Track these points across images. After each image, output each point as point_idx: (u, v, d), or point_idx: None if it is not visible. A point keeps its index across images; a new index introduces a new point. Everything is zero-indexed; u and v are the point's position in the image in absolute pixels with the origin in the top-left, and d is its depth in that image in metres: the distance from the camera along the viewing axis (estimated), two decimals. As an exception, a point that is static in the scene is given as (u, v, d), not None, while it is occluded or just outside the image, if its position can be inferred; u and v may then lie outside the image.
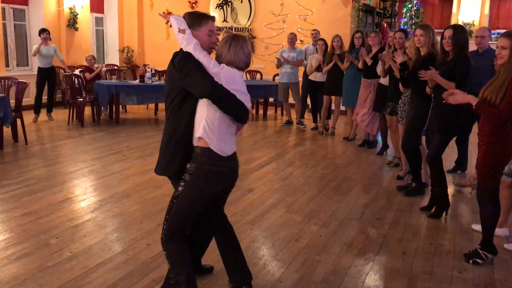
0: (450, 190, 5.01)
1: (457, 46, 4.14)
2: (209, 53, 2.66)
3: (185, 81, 2.51)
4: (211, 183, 2.58)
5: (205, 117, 2.53)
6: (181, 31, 2.59)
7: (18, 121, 6.84)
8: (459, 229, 4.17)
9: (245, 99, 2.60)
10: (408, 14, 10.28)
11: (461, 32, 4.19)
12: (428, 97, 4.51)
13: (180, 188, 2.66)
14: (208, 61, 2.53)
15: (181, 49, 2.61)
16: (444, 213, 4.43)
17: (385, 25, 11.69)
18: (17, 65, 10.08)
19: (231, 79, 2.55)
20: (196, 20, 2.65)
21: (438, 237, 3.97)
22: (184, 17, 2.70)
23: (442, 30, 4.38)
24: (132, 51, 12.40)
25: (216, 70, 2.52)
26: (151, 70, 9.02)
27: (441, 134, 4.28)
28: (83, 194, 4.82)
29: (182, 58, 2.54)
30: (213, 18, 2.74)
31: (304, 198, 4.82)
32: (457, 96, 3.50)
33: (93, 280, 3.09)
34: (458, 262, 3.51)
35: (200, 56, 2.53)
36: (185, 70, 2.50)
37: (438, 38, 4.56)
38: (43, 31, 8.56)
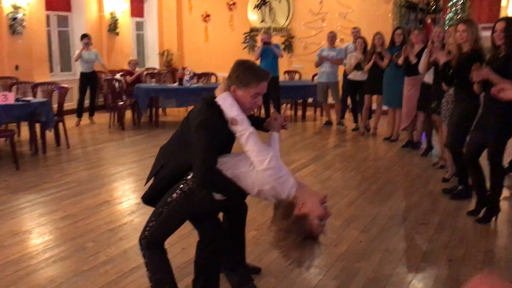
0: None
1: (509, 40, 3.84)
2: (248, 113, 2.48)
3: (192, 149, 2.40)
4: (205, 206, 2.51)
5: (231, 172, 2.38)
6: (233, 122, 2.38)
7: (61, 125, 6.99)
8: (510, 234, 3.92)
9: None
10: (453, 9, 9.86)
11: None
12: (475, 94, 4.27)
13: (174, 195, 2.49)
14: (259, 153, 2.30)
15: (206, 105, 2.45)
16: (494, 217, 4.18)
17: (429, 21, 11.28)
18: (61, 70, 10.36)
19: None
20: (244, 78, 2.39)
21: (487, 244, 3.73)
22: (235, 67, 2.45)
23: (491, 25, 4.13)
24: (172, 54, 12.54)
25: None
26: (190, 73, 9.05)
27: (497, 134, 3.98)
28: (121, 197, 4.84)
29: (199, 127, 2.36)
30: (266, 77, 2.44)
31: (343, 202, 4.66)
32: (510, 92, 3.25)
33: (127, 285, 3.06)
34: (511, 271, 3.27)
35: (254, 147, 2.32)
36: (196, 138, 2.37)
37: (484, 33, 4.31)
38: (84, 36, 8.74)
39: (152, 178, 2.71)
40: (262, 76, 2.42)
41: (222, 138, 2.46)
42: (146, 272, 2.65)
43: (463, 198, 4.72)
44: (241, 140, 2.37)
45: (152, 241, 2.58)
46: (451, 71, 4.52)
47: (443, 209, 4.50)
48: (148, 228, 2.58)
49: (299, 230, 2.14)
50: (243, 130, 2.34)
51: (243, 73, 2.41)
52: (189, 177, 2.45)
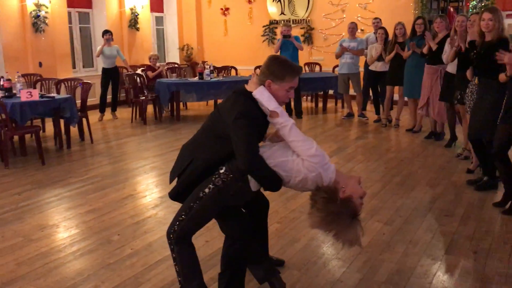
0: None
1: None
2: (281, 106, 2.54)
3: (232, 138, 2.39)
4: (236, 200, 2.54)
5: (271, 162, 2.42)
6: (274, 114, 2.43)
7: (84, 120, 7.10)
8: (538, 226, 3.85)
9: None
10: (476, -3, 9.65)
11: None
12: (503, 85, 4.18)
13: (206, 190, 2.49)
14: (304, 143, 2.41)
15: (243, 97, 2.47)
16: (521, 209, 4.11)
17: (452, 10, 11.09)
18: (83, 66, 10.51)
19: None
20: (280, 73, 2.46)
21: (514, 236, 3.67)
22: (270, 62, 2.51)
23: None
24: (192, 48, 12.58)
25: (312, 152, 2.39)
26: (210, 67, 9.09)
27: None
28: (145, 190, 4.91)
29: (239, 116, 2.37)
30: (300, 72, 2.55)
31: (366, 194, 4.62)
32: None
33: (153, 277, 3.11)
34: (538, 263, 3.22)
35: (298, 137, 2.42)
36: (236, 127, 2.37)
37: (508, 21, 4.22)
38: (106, 32, 8.83)
39: (177, 176, 2.68)
40: (296, 71, 2.51)
41: (259, 129, 2.50)
42: (174, 267, 2.67)
43: (488, 190, 4.65)
44: (283, 132, 2.44)
45: (182, 236, 2.59)
46: (474, 51, 4.43)
47: (467, 200, 4.44)
48: (177, 223, 2.58)
49: (347, 212, 2.32)
50: (285, 122, 2.42)
51: (278, 68, 2.47)
52: (222, 171, 2.46)
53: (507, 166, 4.16)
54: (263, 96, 2.44)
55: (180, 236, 2.59)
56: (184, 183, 2.60)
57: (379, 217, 4.05)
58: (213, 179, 2.48)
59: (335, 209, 2.32)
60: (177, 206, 4.32)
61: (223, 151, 2.46)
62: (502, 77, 4.11)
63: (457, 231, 3.75)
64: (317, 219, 2.34)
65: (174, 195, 2.70)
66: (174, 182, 2.72)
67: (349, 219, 2.33)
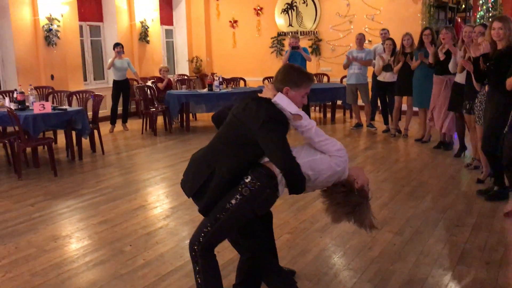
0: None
1: None
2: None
3: (262, 142, 2.41)
4: (264, 207, 2.56)
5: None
6: (297, 117, 2.51)
7: (96, 132, 7.18)
8: (550, 236, 3.83)
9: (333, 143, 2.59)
10: (484, 7, 9.68)
11: None
12: (509, 93, 4.19)
13: (233, 201, 2.46)
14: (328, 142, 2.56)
15: (265, 103, 2.52)
16: (532, 219, 4.09)
17: (459, 20, 11.12)
18: (94, 79, 10.64)
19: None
20: (298, 80, 2.58)
21: (526, 246, 3.66)
22: (287, 70, 2.61)
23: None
24: (201, 60, 12.69)
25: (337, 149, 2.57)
26: (219, 79, 9.17)
27: None
28: (156, 201, 4.94)
29: (268, 121, 2.41)
30: (314, 79, 2.74)
31: (376, 205, 4.64)
32: None
33: (165, 288, 3.13)
34: (550, 273, 3.21)
35: (323, 136, 2.56)
36: (267, 131, 2.40)
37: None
38: (117, 45, 8.94)
39: (197, 189, 2.60)
40: (311, 78, 2.67)
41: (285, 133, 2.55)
42: (196, 279, 2.61)
43: (499, 199, 4.63)
44: (308, 134, 2.54)
45: (206, 248, 2.56)
46: (488, 64, 4.44)
47: (478, 210, 4.43)
48: (202, 235, 2.54)
49: (363, 200, 2.56)
50: (309, 124, 2.53)
51: (295, 75, 2.59)
52: (247, 180, 2.45)
53: None
54: (283, 102, 2.51)
55: (205, 248, 2.56)
56: (213, 196, 2.52)
57: (390, 228, 4.05)
58: (240, 189, 2.45)
59: (356, 200, 2.54)
60: (188, 216, 4.39)
61: (246, 158, 2.49)
62: (509, 81, 4.11)
63: (469, 241, 3.74)
64: (340, 213, 2.55)
65: (204, 210, 2.61)
66: (180, 189, 2.73)
67: (365, 207, 2.56)
